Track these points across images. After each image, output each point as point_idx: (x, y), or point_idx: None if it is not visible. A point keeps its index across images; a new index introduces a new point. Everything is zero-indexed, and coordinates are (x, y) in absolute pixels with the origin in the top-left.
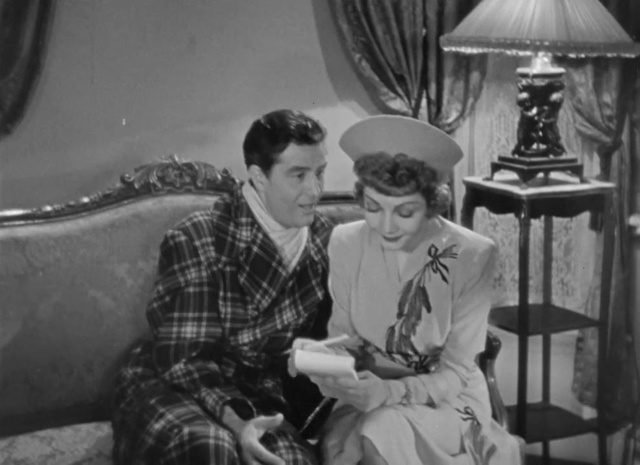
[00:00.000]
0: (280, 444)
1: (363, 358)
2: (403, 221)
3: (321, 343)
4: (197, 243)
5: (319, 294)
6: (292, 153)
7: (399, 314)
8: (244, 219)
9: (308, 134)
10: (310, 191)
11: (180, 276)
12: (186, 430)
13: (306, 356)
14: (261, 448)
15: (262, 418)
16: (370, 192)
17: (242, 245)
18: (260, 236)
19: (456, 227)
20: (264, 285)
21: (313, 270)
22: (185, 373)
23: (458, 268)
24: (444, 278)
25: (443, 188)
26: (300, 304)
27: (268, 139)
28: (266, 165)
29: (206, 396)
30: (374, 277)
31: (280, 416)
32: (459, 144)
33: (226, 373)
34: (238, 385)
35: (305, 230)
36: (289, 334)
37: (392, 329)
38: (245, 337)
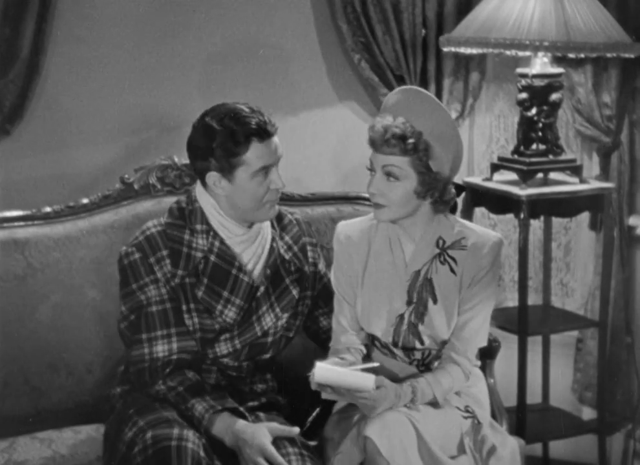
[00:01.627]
0: (290, 450)
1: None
2: (388, 186)
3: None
4: (152, 259)
5: (294, 292)
6: (256, 152)
7: (409, 302)
8: (199, 227)
9: (268, 128)
10: (277, 185)
11: (140, 294)
12: (149, 434)
13: (326, 370)
14: (274, 451)
15: (277, 426)
16: (370, 153)
17: (199, 254)
18: (216, 243)
19: (463, 221)
20: (225, 294)
21: (286, 268)
22: (169, 389)
23: (467, 260)
24: (452, 270)
25: (444, 178)
26: (277, 306)
27: (227, 142)
28: (228, 170)
29: (196, 403)
30: (381, 267)
31: (296, 430)
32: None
33: (208, 380)
34: (232, 389)
35: (267, 231)
36: (270, 339)
37: (401, 317)
38: (223, 348)
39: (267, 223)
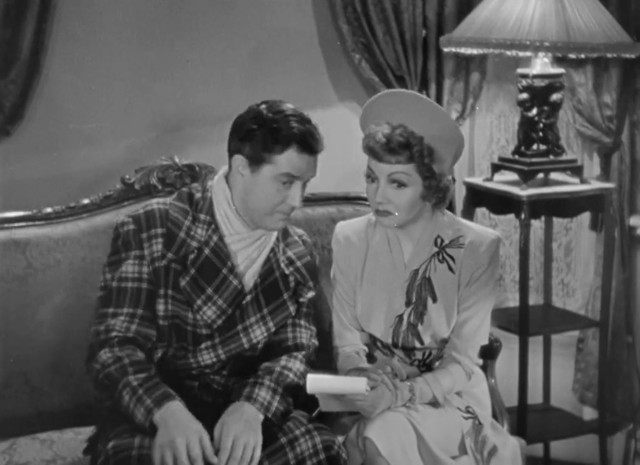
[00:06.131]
0: (297, 432)
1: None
2: (395, 193)
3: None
4: (144, 235)
5: (292, 309)
6: (289, 158)
7: (408, 303)
8: (202, 216)
9: (312, 144)
10: (293, 201)
11: (122, 266)
12: (110, 445)
13: (318, 380)
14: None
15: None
16: (369, 161)
17: (194, 244)
18: (214, 238)
19: (461, 219)
20: (209, 291)
21: (285, 283)
22: (115, 360)
23: (465, 258)
24: (450, 269)
25: (445, 179)
26: (270, 320)
27: (267, 136)
28: (256, 161)
29: (134, 409)
30: (380, 267)
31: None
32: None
33: (189, 392)
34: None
35: (270, 239)
36: (257, 353)
37: (400, 317)
38: (206, 358)
39: (274, 233)
